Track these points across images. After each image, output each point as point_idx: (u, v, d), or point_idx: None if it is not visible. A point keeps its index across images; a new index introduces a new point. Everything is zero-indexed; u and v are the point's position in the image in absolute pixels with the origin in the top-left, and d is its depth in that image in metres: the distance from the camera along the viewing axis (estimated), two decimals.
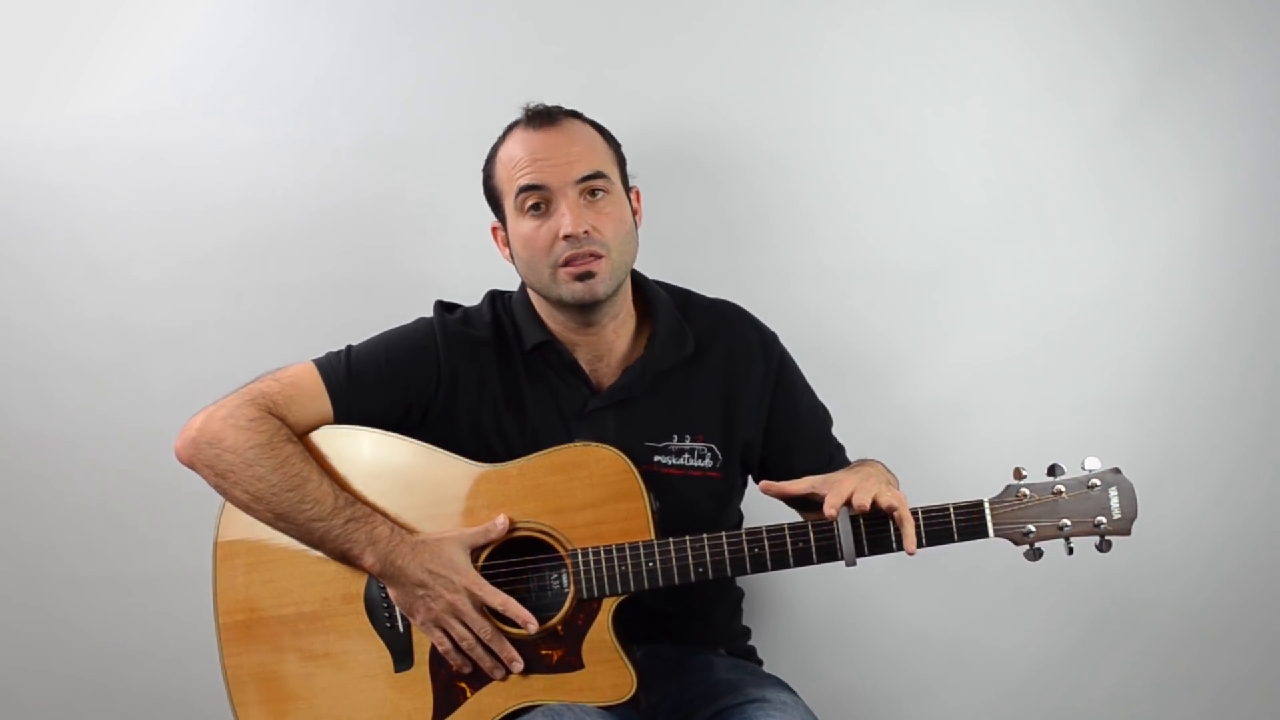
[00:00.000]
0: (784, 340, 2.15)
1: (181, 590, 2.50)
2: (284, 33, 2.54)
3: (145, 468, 2.55)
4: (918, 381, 2.55)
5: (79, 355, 2.55)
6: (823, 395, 2.17)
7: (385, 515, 1.89)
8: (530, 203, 1.96)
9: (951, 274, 2.53)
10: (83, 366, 2.55)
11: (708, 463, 2.01)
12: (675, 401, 2.02)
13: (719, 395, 2.04)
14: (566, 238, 1.92)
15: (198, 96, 2.54)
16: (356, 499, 1.90)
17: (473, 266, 2.49)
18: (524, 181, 1.96)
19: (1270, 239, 2.52)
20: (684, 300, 2.10)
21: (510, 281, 2.13)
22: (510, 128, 2.04)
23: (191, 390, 2.06)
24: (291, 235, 2.55)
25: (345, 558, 1.88)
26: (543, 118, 2.01)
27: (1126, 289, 2.52)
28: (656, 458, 1.99)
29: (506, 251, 2.05)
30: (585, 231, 1.92)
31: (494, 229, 2.07)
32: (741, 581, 2.21)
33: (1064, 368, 2.53)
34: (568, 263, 1.93)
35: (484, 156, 2.51)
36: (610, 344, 2.02)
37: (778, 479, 1.89)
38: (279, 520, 1.89)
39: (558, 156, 1.96)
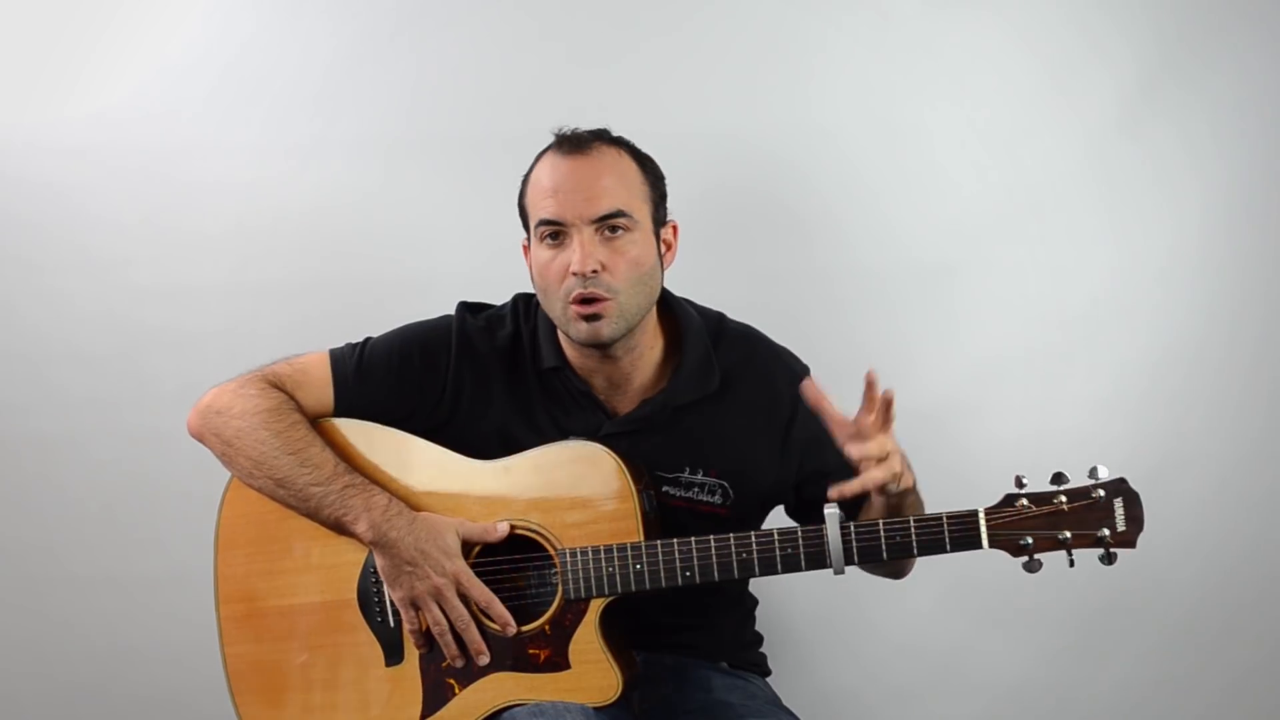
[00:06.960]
0: (783, 340, 2.10)
1: (181, 590, 2.50)
2: (284, 33, 2.55)
3: (145, 467, 2.57)
4: (918, 381, 2.52)
5: (79, 355, 2.57)
6: None
7: (386, 489, 1.90)
8: (548, 234, 1.90)
9: (952, 274, 2.53)
10: (83, 366, 2.56)
11: (717, 499, 1.97)
12: (691, 435, 1.97)
13: (738, 434, 1.98)
14: (575, 274, 1.87)
15: (198, 97, 2.55)
16: (358, 471, 1.91)
17: (472, 266, 2.51)
18: (543, 214, 1.89)
19: (1271, 238, 2.51)
20: (716, 327, 2.03)
21: (503, 281, 2.10)
22: (546, 148, 1.94)
23: (191, 390, 2.05)
24: (292, 235, 2.56)
25: (340, 525, 1.88)
26: (573, 144, 1.90)
27: (1127, 289, 2.51)
28: (665, 488, 1.95)
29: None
30: (594, 270, 1.86)
31: (524, 247, 1.99)
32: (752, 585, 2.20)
33: (1065, 368, 2.52)
34: (577, 300, 1.87)
35: (483, 156, 2.53)
36: (627, 374, 1.97)
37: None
38: (279, 487, 1.89)
39: (580, 189, 1.88)
